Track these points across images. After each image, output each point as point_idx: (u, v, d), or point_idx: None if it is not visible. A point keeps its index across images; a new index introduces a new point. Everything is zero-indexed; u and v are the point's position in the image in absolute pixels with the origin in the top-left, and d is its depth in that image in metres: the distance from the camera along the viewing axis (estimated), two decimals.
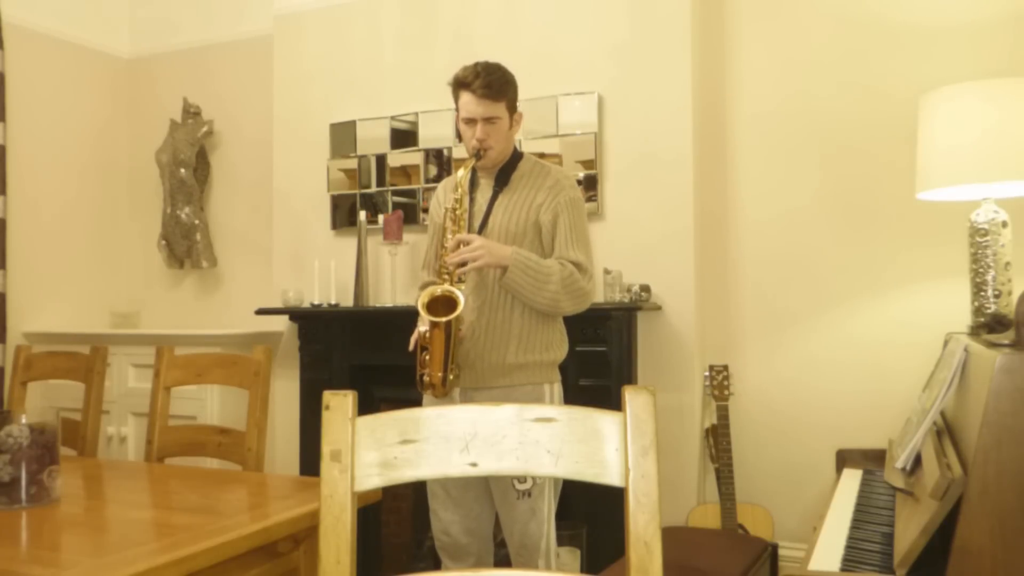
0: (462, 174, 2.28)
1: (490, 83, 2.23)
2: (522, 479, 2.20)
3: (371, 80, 3.75)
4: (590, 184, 3.30)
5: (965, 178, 2.41)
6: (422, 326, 2.22)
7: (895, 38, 3.13)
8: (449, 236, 2.25)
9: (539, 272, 2.19)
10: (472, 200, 2.36)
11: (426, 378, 2.22)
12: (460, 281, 2.21)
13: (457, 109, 2.30)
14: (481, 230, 2.30)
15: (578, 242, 2.28)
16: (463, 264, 2.16)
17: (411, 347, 2.27)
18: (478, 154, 2.27)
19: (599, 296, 3.25)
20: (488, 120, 2.25)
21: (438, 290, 2.19)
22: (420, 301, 2.18)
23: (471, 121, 2.27)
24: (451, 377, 2.22)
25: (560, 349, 2.35)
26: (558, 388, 2.35)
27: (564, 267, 2.22)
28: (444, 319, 2.15)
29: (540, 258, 2.24)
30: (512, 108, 2.32)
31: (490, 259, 2.17)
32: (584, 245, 2.30)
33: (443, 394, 2.23)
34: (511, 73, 2.31)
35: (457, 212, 2.28)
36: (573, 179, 2.41)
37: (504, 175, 2.34)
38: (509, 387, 2.26)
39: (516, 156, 2.37)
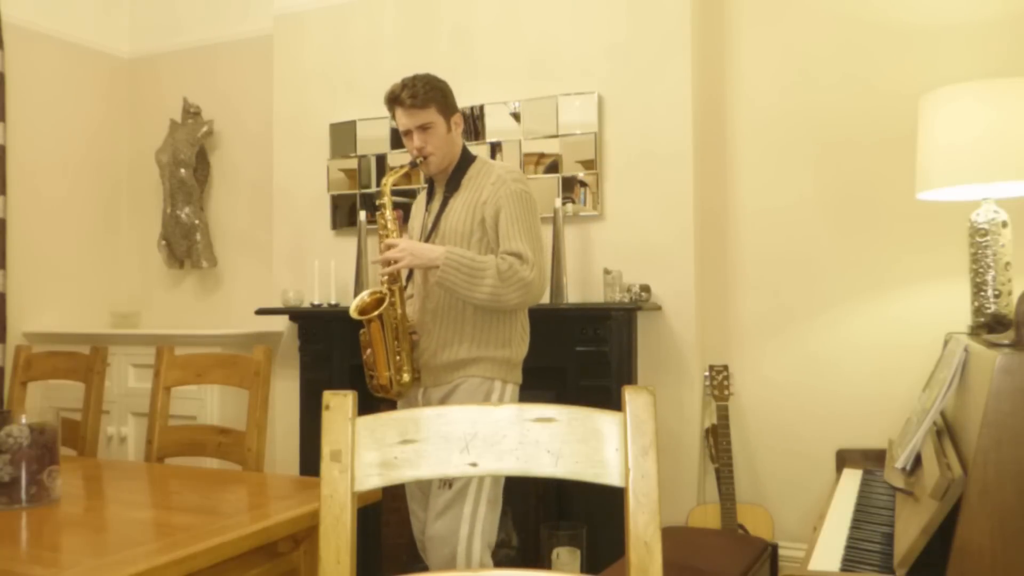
0: (384, 182, 2.34)
1: (415, 93, 2.28)
2: None
3: (371, 80, 3.75)
4: (590, 184, 3.30)
5: (965, 178, 2.40)
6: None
7: (895, 38, 3.13)
8: (382, 241, 2.32)
9: (473, 268, 2.20)
10: (428, 208, 2.43)
11: (375, 379, 2.27)
12: (396, 282, 2.29)
13: (397, 125, 2.38)
14: (431, 235, 2.35)
15: (520, 233, 2.26)
16: (388, 265, 2.24)
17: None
18: (414, 162, 2.34)
19: (599, 296, 3.26)
20: (422, 128, 2.31)
21: (366, 295, 2.28)
22: (352, 307, 2.26)
23: (408, 133, 2.33)
24: (405, 378, 2.26)
25: (518, 347, 2.34)
26: (513, 389, 2.34)
27: (502, 260, 2.22)
28: (371, 315, 2.23)
29: (476, 254, 2.25)
30: (446, 112, 2.35)
31: (414, 260, 2.23)
32: (527, 236, 2.27)
33: (395, 395, 2.29)
34: (441, 81, 2.36)
35: (387, 217, 2.34)
36: (519, 173, 2.40)
37: (454, 179, 2.38)
38: (462, 378, 2.27)
39: (467, 160, 2.41)
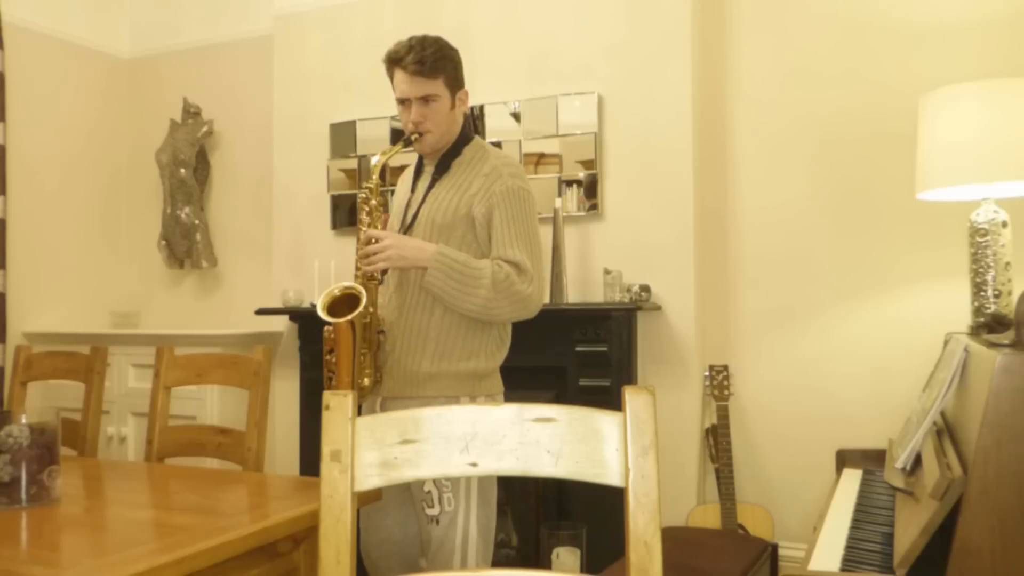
0: (377, 160, 2.07)
1: (422, 59, 2.02)
2: (431, 503, 2.01)
3: (371, 80, 3.75)
4: (590, 184, 3.30)
5: (965, 178, 2.40)
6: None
7: (895, 38, 3.13)
8: (363, 231, 2.06)
9: (466, 275, 1.97)
10: (414, 189, 2.18)
11: (334, 382, 2.04)
12: (373, 279, 2.06)
13: (393, 89, 2.11)
14: (412, 224, 2.11)
15: (517, 239, 2.01)
16: (370, 262, 2.01)
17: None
18: (408, 140, 2.08)
19: (599, 296, 3.26)
20: (423, 100, 2.05)
21: (336, 290, 2.05)
22: (320, 303, 2.01)
23: (405, 102, 2.07)
24: (366, 382, 2.06)
25: (487, 359, 2.08)
26: (484, 403, 2.02)
27: (499, 268, 1.98)
28: (342, 320, 2.00)
29: (471, 258, 2.01)
30: (453, 86, 2.10)
31: (401, 261, 2.00)
32: (525, 243, 2.02)
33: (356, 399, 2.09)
34: (453, 48, 2.10)
35: (371, 204, 2.08)
36: (518, 167, 2.13)
37: (444, 162, 2.12)
38: (423, 398, 2.03)
39: (463, 140, 2.15)
